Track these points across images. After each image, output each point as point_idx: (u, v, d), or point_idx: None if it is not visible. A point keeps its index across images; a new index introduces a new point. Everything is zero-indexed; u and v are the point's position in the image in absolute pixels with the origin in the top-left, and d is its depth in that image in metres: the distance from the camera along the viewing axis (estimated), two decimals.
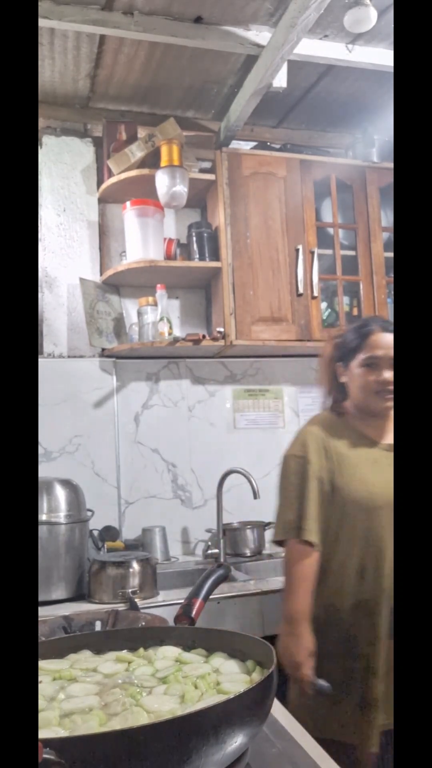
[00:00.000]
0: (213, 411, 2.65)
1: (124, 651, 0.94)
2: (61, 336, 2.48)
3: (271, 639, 1.03)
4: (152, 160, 2.42)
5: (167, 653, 0.91)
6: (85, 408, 2.46)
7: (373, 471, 1.53)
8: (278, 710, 0.95)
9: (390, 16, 2.11)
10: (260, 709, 0.71)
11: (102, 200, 2.60)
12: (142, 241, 2.40)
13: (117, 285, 2.59)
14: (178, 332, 2.59)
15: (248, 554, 2.44)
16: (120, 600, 1.80)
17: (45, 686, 0.82)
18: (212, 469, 2.55)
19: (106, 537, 2.30)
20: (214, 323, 2.56)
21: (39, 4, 1.93)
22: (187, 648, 0.93)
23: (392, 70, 2.35)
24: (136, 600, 1.78)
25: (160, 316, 2.41)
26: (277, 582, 1.94)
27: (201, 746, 0.62)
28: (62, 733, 0.69)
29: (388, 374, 1.55)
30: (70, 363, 2.47)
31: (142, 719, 0.70)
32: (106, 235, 2.64)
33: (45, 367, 2.41)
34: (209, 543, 2.51)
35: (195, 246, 2.49)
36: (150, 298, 2.44)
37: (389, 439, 1.61)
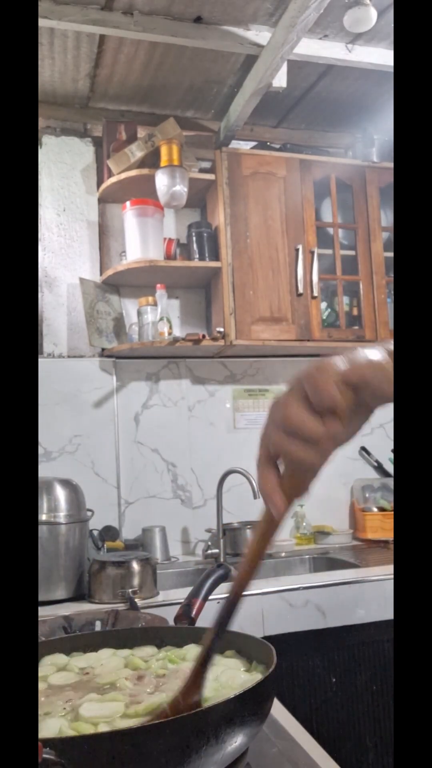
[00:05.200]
0: (213, 411, 2.65)
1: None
2: (61, 336, 2.48)
3: (271, 639, 1.03)
4: (152, 160, 2.42)
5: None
6: (85, 408, 2.46)
7: None
8: (278, 710, 0.95)
9: (390, 16, 2.11)
10: (260, 709, 0.71)
11: (102, 200, 2.60)
12: (141, 240, 2.40)
13: (117, 285, 2.59)
14: (177, 332, 2.59)
15: None
16: (120, 600, 1.80)
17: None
18: (212, 469, 2.55)
19: (106, 537, 2.30)
20: (214, 323, 2.56)
21: (39, 4, 1.93)
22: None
23: (392, 70, 2.35)
24: (136, 600, 1.78)
25: (159, 316, 2.41)
26: (276, 582, 1.94)
27: (201, 746, 0.62)
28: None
29: None
30: (70, 363, 2.47)
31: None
32: (105, 235, 2.64)
33: (45, 367, 2.41)
34: (209, 543, 2.51)
35: (195, 246, 2.49)
36: (150, 298, 2.44)
37: None
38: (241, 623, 1.85)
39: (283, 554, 2.47)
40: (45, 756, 0.54)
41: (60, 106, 2.57)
